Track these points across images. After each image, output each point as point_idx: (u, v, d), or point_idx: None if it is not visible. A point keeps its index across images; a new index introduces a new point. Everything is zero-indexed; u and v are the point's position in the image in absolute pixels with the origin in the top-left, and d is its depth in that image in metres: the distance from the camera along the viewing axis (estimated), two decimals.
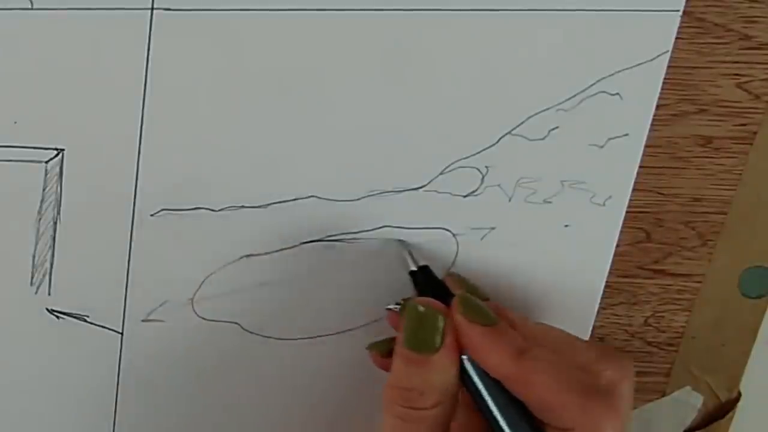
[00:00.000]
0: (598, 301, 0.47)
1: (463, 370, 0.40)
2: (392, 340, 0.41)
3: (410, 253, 0.43)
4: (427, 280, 0.43)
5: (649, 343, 0.49)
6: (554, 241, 0.45)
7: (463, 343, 0.40)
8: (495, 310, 0.41)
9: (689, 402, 0.50)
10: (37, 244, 0.43)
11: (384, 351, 0.42)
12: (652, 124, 0.43)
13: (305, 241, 0.44)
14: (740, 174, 0.45)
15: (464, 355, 0.40)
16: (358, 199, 0.44)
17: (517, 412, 0.39)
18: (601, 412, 0.38)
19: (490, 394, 0.40)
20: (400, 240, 0.44)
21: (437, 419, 0.40)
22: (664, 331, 0.49)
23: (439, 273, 0.44)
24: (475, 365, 0.40)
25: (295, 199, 0.43)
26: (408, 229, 0.44)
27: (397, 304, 0.43)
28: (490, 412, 0.39)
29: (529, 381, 0.39)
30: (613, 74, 0.42)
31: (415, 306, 0.40)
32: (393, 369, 0.40)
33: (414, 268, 0.43)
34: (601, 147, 0.43)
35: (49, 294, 0.45)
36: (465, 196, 0.44)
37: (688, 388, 0.50)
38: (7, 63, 0.40)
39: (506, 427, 0.39)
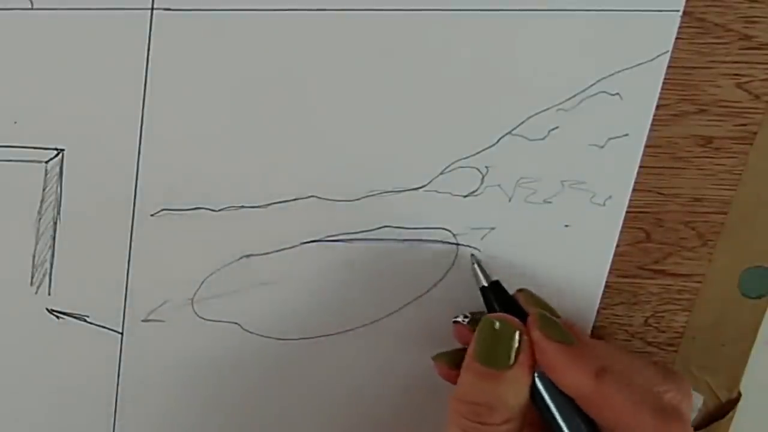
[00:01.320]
0: (598, 301, 0.47)
1: (533, 387, 0.40)
2: (460, 351, 0.41)
3: (481, 268, 0.43)
4: (498, 297, 0.42)
5: (649, 344, 0.49)
6: (554, 241, 0.45)
7: (540, 360, 0.40)
8: (568, 328, 0.41)
9: None
10: (37, 244, 0.43)
11: (451, 362, 0.42)
12: (652, 124, 0.43)
13: (305, 241, 0.44)
14: (740, 174, 0.45)
15: (535, 372, 0.40)
16: (358, 199, 0.44)
17: (588, 431, 0.40)
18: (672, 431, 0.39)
19: (560, 412, 0.40)
20: (471, 254, 0.44)
21: None
22: (664, 331, 0.48)
23: (437, 274, 0.44)
24: (546, 382, 0.40)
25: (295, 199, 0.43)
26: (408, 229, 0.44)
27: (465, 316, 0.43)
28: (561, 430, 0.40)
29: (606, 401, 0.39)
30: (613, 74, 0.42)
31: (490, 321, 0.40)
32: (461, 382, 0.40)
33: (485, 284, 0.43)
34: (601, 147, 0.43)
35: (49, 294, 0.45)
36: (465, 196, 0.44)
37: None
38: (7, 63, 0.40)
39: None
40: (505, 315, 0.41)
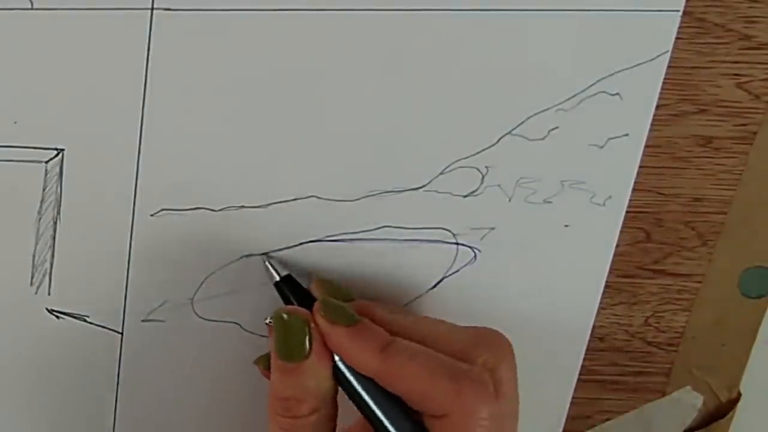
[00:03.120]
0: (598, 301, 0.47)
1: (338, 372, 0.40)
2: None
3: (272, 264, 0.43)
4: (291, 289, 0.43)
5: (650, 343, 0.49)
6: (554, 241, 0.45)
7: (329, 344, 0.40)
8: (360, 308, 0.41)
9: (689, 402, 0.50)
10: (37, 244, 0.43)
11: (268, 364, 0.42)
12: (652, 124, 0.43)
13: (305, 241, 0.44)
14: (740, 174, 0.45)
15: (336, 356, 0.40)
16: (358, 199, 0.44)
17: (395, 407, 0.40)
18: (475, 395, 0.38)
19: (366, 392, 0.40)
20: (263, 252, 0.44)
21: (317, 425, 0.40)
22: (664, 331, 0.49)
23: (437, 274, 0.44)
24: (347, 365, 0.40)
25: (295, 199, 0.43)
26: (408, 229, 0.44)
27: (272, 318, 0.43)
28: (369, 409, 0.40)
29: (396, 374, 0.39)
30: (613, 74, 0.42)
31: (279, 315, 0.41)
32: (271, 381, 0.41)
33: (277, 278, 0.43)
34: (601, 147, 0.43)
35: (49, 294, 0.45)
36: (465, 196, 0.44)
37: (688, 388, 0.50)
38: (7, 63, 0.40)
39: (386, 421, 0.40)
40: (292, 307, 0.41)
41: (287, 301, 0.43)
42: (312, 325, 0.40)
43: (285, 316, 0.41)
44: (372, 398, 0.40)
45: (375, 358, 0.39)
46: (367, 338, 0.40)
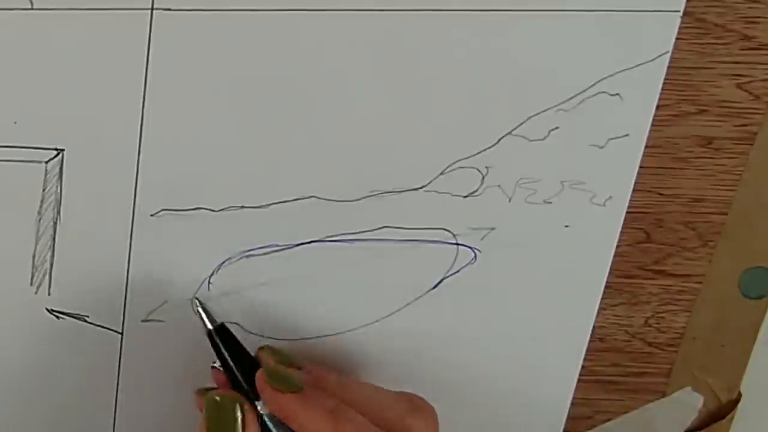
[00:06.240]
0: (598, 301, 0.47)
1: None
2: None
3: (206, 311, 0.43)
4: (224, 339, 0.43)
5: (650, 344, 0.49)
6: (554, 241, 0.45)
7: (277, 413, 0.41)
8: (307, 373, 0.42)
9: (690, 402, 0.50)
10: (37, 244, 0.43)
11: None
12: (652, 125, 0.43)
13: (305, 241, 0.44)
14: (740, 174, 0.45)
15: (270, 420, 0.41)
16: (358, 199, 0.44)
17: None
18: None
19: None
20: (196, 297, 0.44)
21: None
22: (664, 332, 0.49)
23: (437, 274, 0.44)
24: (279, 427, 0.41)
25: (295, 199, 0.43)
26: (408, 229, 0.44)
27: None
28: None
29: None
30: (613, 74, 0.42)
31: (212, 397, 0.41)
32: None
33: (210, 327, 0.43)
34: (602, 147, 0.43)
35: (49, 294, 0.45)
36: (465, 196, 0.44)
37: (688, 388, 0.50)
38: (7, 63, 0.40)
39: None
40: (225, 391, 0.42)
41: (218, 352, 0.43)
42: (246, 406, 0.41)
43: (218, 397, 0.41)
44: None
45: (326, 423, 0.40)
46: (317, 403, 0.40)
